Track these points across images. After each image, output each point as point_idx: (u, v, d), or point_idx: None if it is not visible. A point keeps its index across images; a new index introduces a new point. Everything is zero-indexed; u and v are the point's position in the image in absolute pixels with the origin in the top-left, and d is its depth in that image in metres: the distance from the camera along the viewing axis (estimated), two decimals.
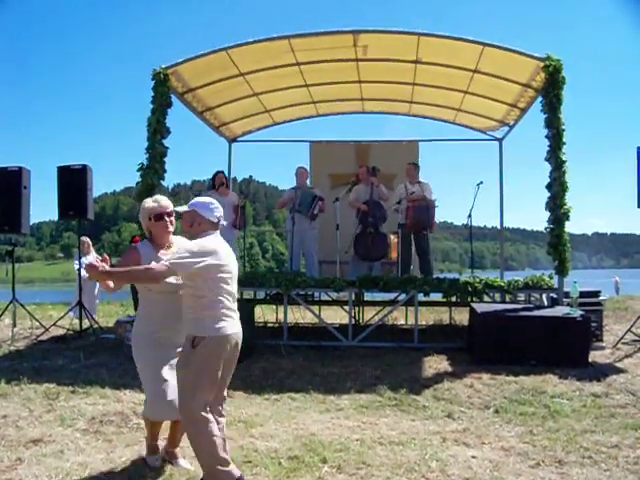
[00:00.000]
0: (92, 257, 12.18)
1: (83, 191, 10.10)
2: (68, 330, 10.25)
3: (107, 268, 4.09)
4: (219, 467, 4.02)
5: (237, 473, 4.08)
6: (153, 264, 4.18)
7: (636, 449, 5.04)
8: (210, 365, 4.05)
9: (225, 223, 4.44)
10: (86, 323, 10.30)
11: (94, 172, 10.37)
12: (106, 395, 6.62)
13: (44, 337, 10.05)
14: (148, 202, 4.58)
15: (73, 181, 10.11)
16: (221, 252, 4.13)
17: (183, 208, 4.35)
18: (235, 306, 4.25)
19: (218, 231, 4.31)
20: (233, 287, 4.24)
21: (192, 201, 4.36)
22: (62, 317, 10.67)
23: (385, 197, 10.81)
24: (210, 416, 4.08)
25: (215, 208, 4.28)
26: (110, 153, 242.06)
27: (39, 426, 5.64)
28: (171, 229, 4.59)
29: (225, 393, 4.35)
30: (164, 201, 4.57)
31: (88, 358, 8.40)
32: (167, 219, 4.53)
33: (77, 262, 11.21)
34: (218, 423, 4.17)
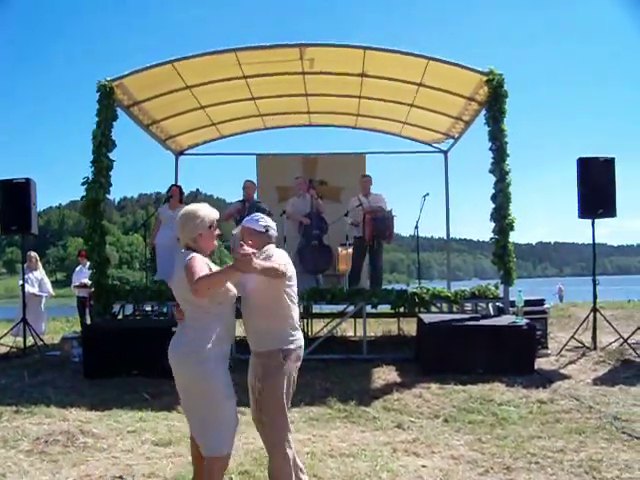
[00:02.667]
0: (39, 273, 11.92)
1: (26, 205, 9.86)
2: (11, 348, 10.00)
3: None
4: None
5: None
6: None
7: (580, 452, 5.16)
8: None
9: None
10: (30, 341, 10.06)
11: (38, 185, 10.15)
12: (51, 414, 6.47)
13: None
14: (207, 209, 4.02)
15: (16, 195, 9.86)
16: None
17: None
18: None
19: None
20: None
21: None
22: (5, 335, 10.39)
23: (322, 209, 10.85)
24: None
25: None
26: (55, 165, 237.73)
27: None
28: None
29: None
30: None
31: (33, 376, 8.18)
32: None
33: (21, 278, 10.95)
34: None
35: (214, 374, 3.83)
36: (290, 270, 3.96)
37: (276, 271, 3.75)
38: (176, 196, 10.61)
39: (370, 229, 10.04)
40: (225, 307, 3.87)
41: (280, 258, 3.93)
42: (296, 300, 4.07)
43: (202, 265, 3.69)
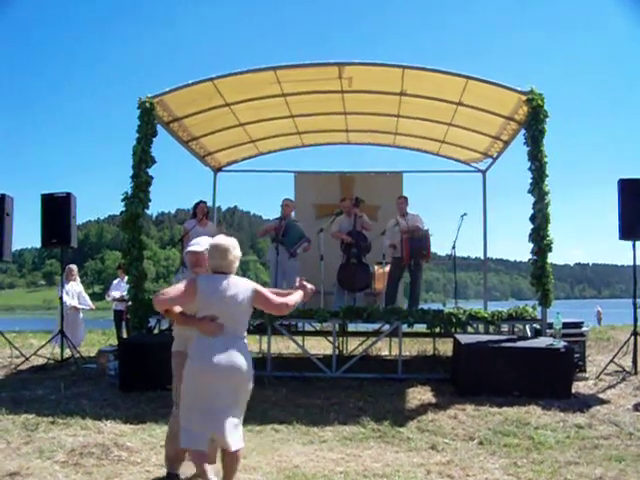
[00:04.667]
0: (77, 286, 12.10)
1: (67, 219, 10.06)
2: (49, 359, 10.14)
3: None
4: None
5: None
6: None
7: None
8: None
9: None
10: (68, 352, 10.19)
11: (78, 199, 10.34)
12: (87, 426, 6.53)
13: (24, 366, 9.93)
14: None
15: (57, 209, 10.07)
16: None
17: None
18: None
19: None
20: None
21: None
22: (43, 346, 10.54)
23: (368, 227, 10.84)
24: None
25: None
26: (95, 180, 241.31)
27: (17, 458, 5.53)
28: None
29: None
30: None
31: (69, 388, 8.29)
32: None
33: (60, 289, 11.13)
34: None
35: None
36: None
37: None
38: (206, 212, 10.73)
39: (407, 249, 10.01)
40: None
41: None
42: None
43: None
